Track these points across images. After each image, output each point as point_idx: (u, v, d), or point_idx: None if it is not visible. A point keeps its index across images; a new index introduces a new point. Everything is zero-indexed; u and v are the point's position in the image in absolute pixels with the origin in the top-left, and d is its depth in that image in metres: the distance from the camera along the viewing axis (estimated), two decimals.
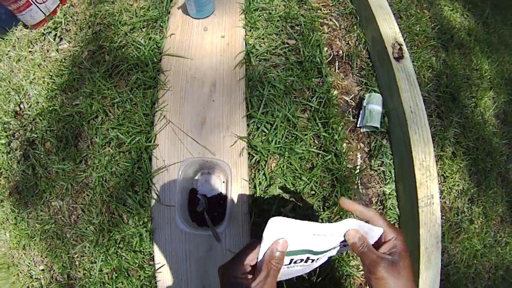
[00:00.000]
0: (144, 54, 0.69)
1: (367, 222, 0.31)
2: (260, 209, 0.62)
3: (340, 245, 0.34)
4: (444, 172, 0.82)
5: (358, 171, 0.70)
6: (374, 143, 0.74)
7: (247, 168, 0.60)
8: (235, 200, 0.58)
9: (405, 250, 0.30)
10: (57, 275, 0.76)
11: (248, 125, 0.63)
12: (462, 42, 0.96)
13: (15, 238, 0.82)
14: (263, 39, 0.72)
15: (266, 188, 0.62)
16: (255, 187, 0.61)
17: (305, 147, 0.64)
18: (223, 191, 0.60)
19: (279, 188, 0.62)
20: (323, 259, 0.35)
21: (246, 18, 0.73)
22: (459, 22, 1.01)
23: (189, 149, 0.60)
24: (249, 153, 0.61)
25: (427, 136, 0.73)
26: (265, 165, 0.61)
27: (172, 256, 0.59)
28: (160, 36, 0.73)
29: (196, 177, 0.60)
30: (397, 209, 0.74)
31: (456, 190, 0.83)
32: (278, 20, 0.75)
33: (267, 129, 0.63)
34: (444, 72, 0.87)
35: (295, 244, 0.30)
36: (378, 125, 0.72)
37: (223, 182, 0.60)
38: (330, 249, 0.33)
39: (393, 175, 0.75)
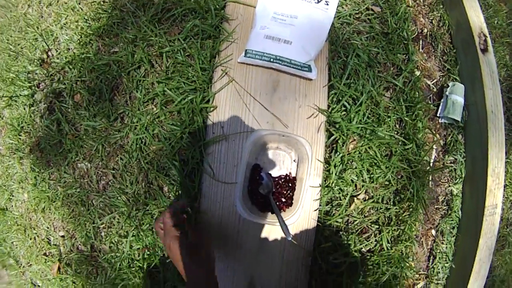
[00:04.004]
0: None
1: None
2: (330, 196, 0.45)
3: None
4: (505, 180, 0.66)
5: (433, 167, 0.53)
6: (450, 137, 0.56)
7: (324, 147, 0.43)
8: (306, 184, 0.41)
9: None
10: (79, 244, 0.60)
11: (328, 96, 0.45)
12: None
13: (33, 199, 0.64)
14: (345, 0, 0.53)
15: (340, 172, 0.45)
16: (329, 170, 0.44)
17: (388, 131, 0.46)
18: (293, 172, 0.43)
19: (354, 174, 0.45)
20: None
21: None
22: None
23: (256, 117, 0.42)
24: (327, 129, 0.44)
25: (502, 141, 0.56)
26: (343, 146, 0.44)
27: (221, 241, 0.43)
28: None
29: (261, 151, 0.43)
30: (460, 212, 0.59)
31: (510, 201, 0.68)
32: None
33: (349, 104, 0.45)
34: None
35: None
36: (459, 119, 0.55)
37: (294, 161, 0.43)
38: None
39: (463, 175, 0.59)
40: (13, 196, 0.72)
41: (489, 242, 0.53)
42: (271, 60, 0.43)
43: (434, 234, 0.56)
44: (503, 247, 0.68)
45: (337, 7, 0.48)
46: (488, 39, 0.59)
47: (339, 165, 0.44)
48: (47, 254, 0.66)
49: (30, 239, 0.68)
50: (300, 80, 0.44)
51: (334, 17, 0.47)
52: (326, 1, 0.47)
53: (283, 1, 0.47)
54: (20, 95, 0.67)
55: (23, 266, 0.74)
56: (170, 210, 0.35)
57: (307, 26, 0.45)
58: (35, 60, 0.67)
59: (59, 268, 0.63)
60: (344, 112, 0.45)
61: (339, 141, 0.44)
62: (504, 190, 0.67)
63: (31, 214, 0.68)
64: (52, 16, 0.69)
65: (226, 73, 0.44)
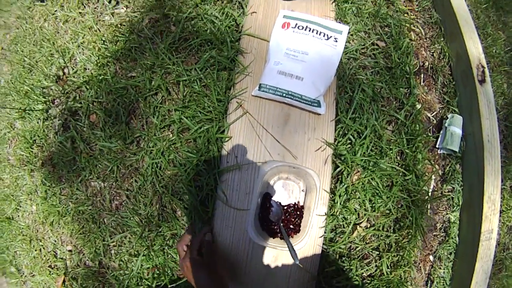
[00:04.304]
0: (220, 30, 0.53)
1: None
2: (334, 224, 0.49)
3: None
4: (501, 206, 0.71)
5: (432, 196, 0.57)
6: (448, 167, 0.61)
7: (330, 178, 0.47)
8: (313, 213, 0.45)
9: None
10: (87, 260, 0.62)
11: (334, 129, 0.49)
12: None
13: (42, 212, 0.66)
14: (352, 35, 0.57)
15: (344, 202, 0.48)
16: (334, 200, 0.48)
17: (389, 163, 0.50)
18: (301, 201, 0.46)
19: (357, 203, 0.49)
20: None
21: (336, 8, 0.57)
22: None
23: (268, 148, 0.46)
24: (333, 162, 0.47)
25: (498, 169, 0.61)
26: (347, 177, 0.48)
27: (230, 264, 0.46)
28: (238, 12, 0.56)
29: (272, 181, 0.46)
30: (457, 238, 0.63)
31: (507, 226, 0.72)
32: (367, 17, 0.59)
33: (354, 138, 0.49)
34: None
35: None
36: (457, 149, 0.59)
37: (302, 190, 0.46)
38: None
39: (460, 203, 0.63)
40: (20, 206, 0.74)
41: (485, 266, 0.57)
42: (284, 95, 0.47)
43: (432, 260, 0.59)
44: (500, 270, 0.72)
45: (345, 43, 0.52)
46: (486, 70, 0.63)
47: (344, 195, 0.47)
48: (53, 266, 0.68)
49: (35, 250, 0.71)
50: (310, 115, 0.48)
51: (342, 53, 0.51)
52: (335, 38, 0.51)
53: (295, 37, 0.51)
54: (34, 109, 0.70)
55: (25, 276, 0.76)
56: (200, 235, 0.39)
57: (318, 62, 0.49)
58: (51, 76, 0.70)
59: (64, 281, 0.65)
60: (349, 145, 0.49)
61: (344, 173, 0.47)
62: (500, 215, 0.72)
63: (38, 226, 0.70)
64: (68, 33, 0.73)
65: (241, 105, 0.47)
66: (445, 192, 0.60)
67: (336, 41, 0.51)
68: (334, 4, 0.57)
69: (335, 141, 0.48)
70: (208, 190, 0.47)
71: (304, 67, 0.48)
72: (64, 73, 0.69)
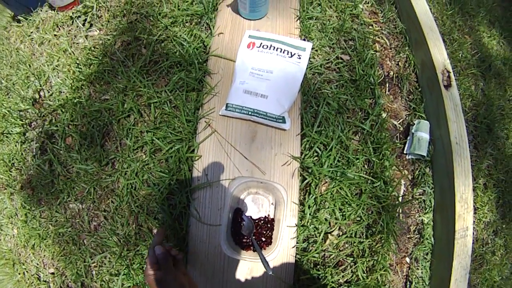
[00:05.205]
0: (188, 52, 0.56)
1: None
2: (306, 234, 0.52)
3: None
4: (475, 204, 0.75)
5: (403, 200, 0.61)
6: (418, 171, 0.65)
7: (298, 190, 0.50)
8: (283, 224, 0.48)
9: None
10: (69, 282, 0.64)
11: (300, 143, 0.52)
12: (498, 72, 0.88)
13: (23, 236, 0.68)
14: (317, 50, 0.61)
15: (314, 212, 0.52)
16: (304, 211, 0.51)
17: (357, 172, 0.54)
18: (271, 214, 0.49)
19: (327, 213, 0.53)
20: None
21: (301, 26, 0.61)
22: (495, 50, 0.93)
23: (237, 165, 0.49)
24: (300, 174, 0.51)
25: (468, 169, 0.65)
26: (316, 188, 0.51)
27: (207, 279, 0.48)
28: (205, 34, 0.60)
29: (242, 196, 0.49)
30: (432, 239, 0.66)
31: (483, 222, 0.76)
32: (331, 32, 0.64)
33: (320, 150, 0.53)
34: (482, 102, 0.79)
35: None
36: (425, 154, 0.63)
37: (272, 204, 0.49)
38: None
39: (432, 204, 0.67)
40: (2, 230, 0.76)
41: (463, 262, 0.60)
42: (249, 113, 0.50)
43: (408, 262, 0.63)
44: (481, 265, 0.76)
45: (309, 59, 0.56)
46: (452, 74, 0.68)
47: (313, 206, 0.51)
48: None
49: (19, 274, 0.72)
50: (276, 131, 0.51)
51: (306, 69, 0.55)
52: (298, 55, 0.55)
53: (260, 56, 0.55)
54: (12, 132, 0.72)
55: None
56: (151, 250, 0.37)
57: (282, 80, 0.53)
58: (28, 99, 0.72)
59: None
60: (316, 158, 0.53)
61: (312, 184, 0.51)
62: (475, 213, 0.76)
63: (21, 249, 0.72)
64: (44, 56, 0.75)
65: (209, 124, 0.51)
66: (416, 195, 0.64)
67: (300, 58, 0.55)
68: (298, 21, 0.61)
69: (301, 155, 0.52)
70: (182, 208, 0.49)
71: (268, 85, 0.51)
72: (40, 96, 0.72)
